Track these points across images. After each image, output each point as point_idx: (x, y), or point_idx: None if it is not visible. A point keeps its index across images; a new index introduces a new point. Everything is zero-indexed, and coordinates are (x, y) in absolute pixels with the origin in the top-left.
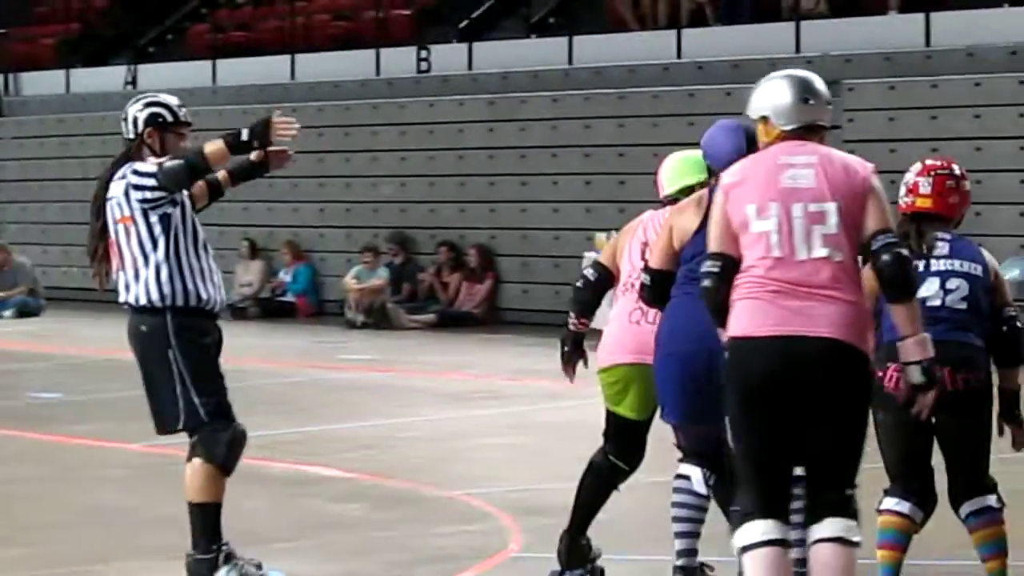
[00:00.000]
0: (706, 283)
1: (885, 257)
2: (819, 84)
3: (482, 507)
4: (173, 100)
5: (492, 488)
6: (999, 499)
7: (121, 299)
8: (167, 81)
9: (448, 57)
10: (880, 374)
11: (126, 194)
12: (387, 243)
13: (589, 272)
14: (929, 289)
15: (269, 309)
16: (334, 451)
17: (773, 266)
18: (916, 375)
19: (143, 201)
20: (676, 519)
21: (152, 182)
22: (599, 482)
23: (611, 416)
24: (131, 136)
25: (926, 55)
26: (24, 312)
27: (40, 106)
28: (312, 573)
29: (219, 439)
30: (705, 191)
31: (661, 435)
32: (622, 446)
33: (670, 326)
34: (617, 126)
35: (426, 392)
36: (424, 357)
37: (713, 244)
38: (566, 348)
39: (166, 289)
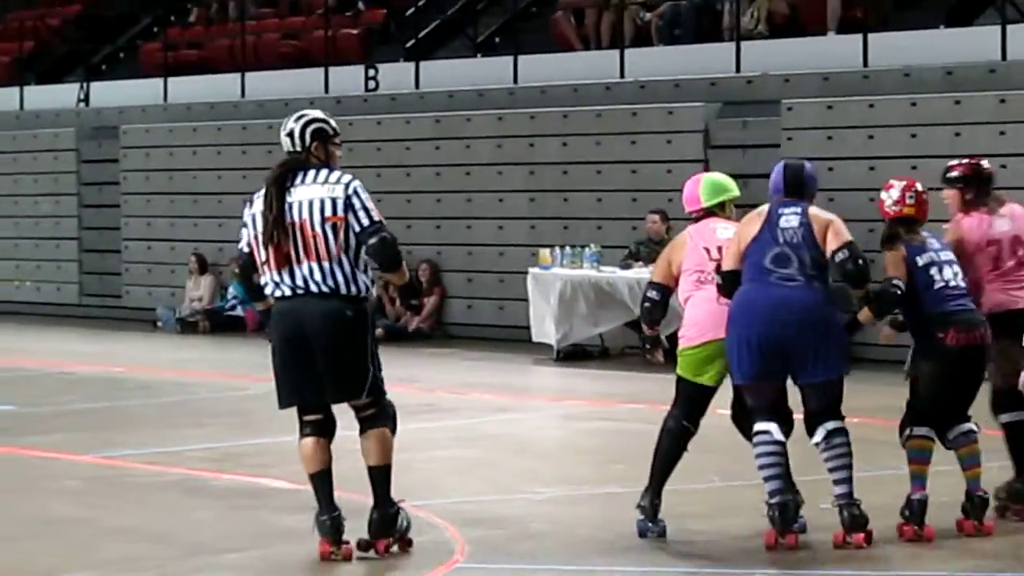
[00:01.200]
0: None
1: None
2: None
3: (428, 518)
4: (322, 114)
5: (438, 499)
6: (976, 425)
7: (299, 281)
8: (119, 99)
9: (395, 76)
10: (940, 335)
11: (347, 202)
12: None
13: (653, 294)
14: (950, 273)
15: (219, 322)
16: (283, 463)
17: None
18: None
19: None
20: (763, 466)
21: (368, 225)
22: (676, 444)
23: (690, 386)
24: (298, 149)
25: (863, 75)
26: None
27: None
28: None
29: (392, 412)
30: (766, 206)
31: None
32: (696, 411)
33: (745, 309)
34: (561, 144)
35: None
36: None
37: None
38: (648, 345)
39: (369, 285)
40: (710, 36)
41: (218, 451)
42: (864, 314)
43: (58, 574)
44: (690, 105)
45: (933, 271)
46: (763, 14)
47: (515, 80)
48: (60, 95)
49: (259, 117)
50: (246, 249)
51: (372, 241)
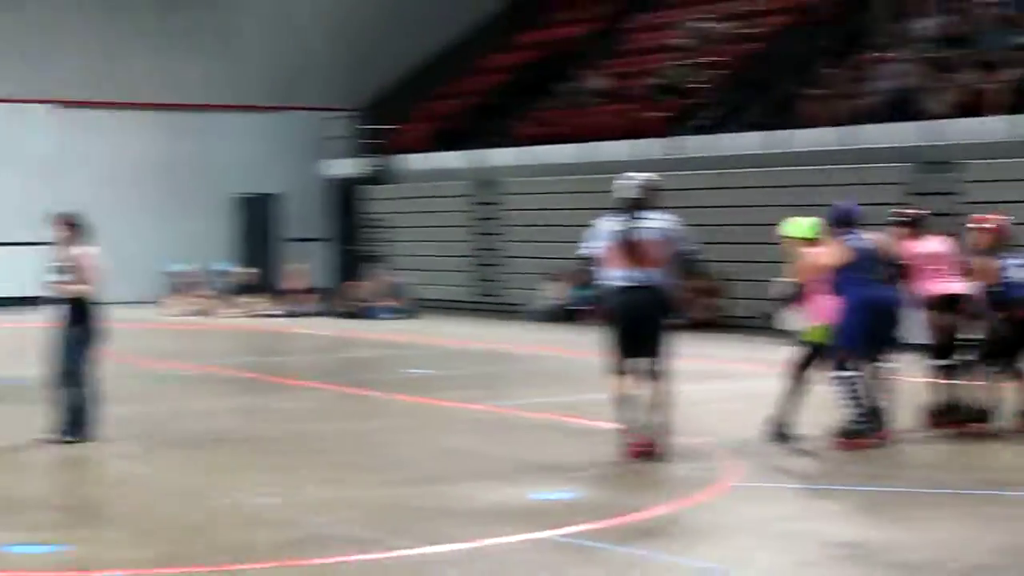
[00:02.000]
0: None
1: None
2: None
3: (711, 449)
4: (651, 175)
5: (717, 436)
6: None
7: (639, 277)
8: (500, 160)
9: (683, 144)
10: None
11: (674, 232)
12: None
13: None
14: None
15: (568, 315)
16: (607, 412)
17: None
18: None
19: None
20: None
21: (686, 248)
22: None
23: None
24: (640, 197)
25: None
26: (398, 315)
27: (415, 176)
28: (590, 493)
29: None
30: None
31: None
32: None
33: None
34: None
35: (680, 372)
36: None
37: None
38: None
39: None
40: (907, 116)
41: (566, 402)
42: None
43: (450, 481)
44: (888, 165)
45: None
46: (949, 100)
47: (765, 148)
48: (455, 159)
49: (592, 173)
50: (591, 252)
51: (687, 257)
